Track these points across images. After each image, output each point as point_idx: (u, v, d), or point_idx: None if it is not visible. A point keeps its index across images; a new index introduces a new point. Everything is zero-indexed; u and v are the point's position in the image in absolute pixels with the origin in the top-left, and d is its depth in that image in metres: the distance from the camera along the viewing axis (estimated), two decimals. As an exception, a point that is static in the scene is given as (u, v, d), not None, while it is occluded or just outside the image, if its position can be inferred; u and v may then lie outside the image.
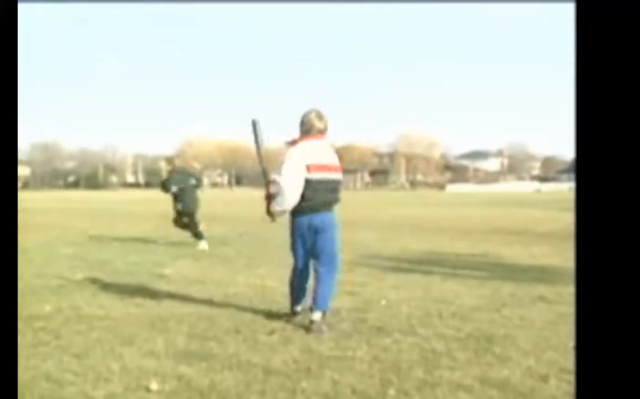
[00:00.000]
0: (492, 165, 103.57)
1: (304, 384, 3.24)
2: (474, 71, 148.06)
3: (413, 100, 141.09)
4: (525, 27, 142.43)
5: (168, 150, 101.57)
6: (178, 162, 11.20)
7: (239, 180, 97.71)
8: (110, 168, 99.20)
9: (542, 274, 7.01)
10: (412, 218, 19.06)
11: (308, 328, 4.34)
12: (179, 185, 10.45)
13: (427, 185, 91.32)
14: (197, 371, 3.45)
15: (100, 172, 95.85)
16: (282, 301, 5.01)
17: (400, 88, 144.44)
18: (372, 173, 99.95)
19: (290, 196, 4.32)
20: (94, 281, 6.62)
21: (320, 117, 4.50)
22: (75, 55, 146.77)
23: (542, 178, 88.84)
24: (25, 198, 32.04)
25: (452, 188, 74.80)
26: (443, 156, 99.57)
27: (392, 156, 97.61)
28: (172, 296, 5.72)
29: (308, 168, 4.32)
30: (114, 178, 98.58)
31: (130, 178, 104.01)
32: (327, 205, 4.47)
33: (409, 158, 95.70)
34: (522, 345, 3.96)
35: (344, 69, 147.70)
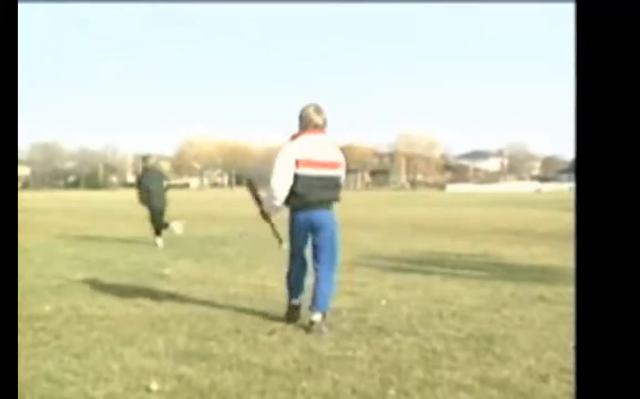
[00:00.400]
0: (492, 165, 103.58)
1: (304, 384, 3.24)
2: (474, 71, 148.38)
3: (413, 100, 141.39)
4: (525, 27, 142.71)
5: (169, 150, 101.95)
6: (151, 162, 11.35)
7: (239, 180, 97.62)
8: (110, 168, 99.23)
9: (542, 274, 7.01)
10: (412, 218, 19.06)
11: (308, 328, 4.33)
12: (152, 185, 10.76)
13: (427, 185, 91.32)
14: (197, 371, 3.45)
15: (101, 172, 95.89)
16: (283, 301, 5.00)
17: (400, 88, 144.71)
18: (373, 173, 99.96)
19: (277, 191, 4.31)
20: (94, 281, 6.62)
21: (318, 111, 4.45)
22: (75, 55, 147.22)
23: (542, 178, 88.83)
24: (25, 198, 32.05)
25: (453, 188, 74.76)
26: (443, 156, 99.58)
27: (392, 156, 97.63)
28: (172, 296, 5.72)
29: (297, 163, 4.28)
30: (114, 178, 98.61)
31: (130, 178, 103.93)
32: (324, 202, 4.40)
33: (409, 158, 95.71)
34: (522, 345, 3.96)
35: (344, 69, 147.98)
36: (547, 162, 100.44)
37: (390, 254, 9.14)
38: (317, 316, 4.35)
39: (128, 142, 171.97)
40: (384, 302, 5.35)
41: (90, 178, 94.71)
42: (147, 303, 5.35)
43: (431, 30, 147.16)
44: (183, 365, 3.56)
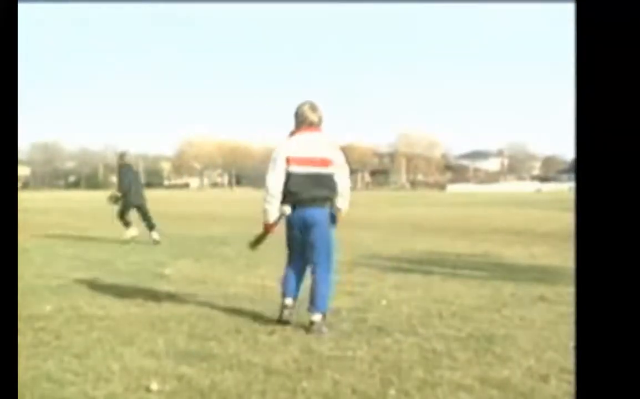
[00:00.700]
0: (492, 165, 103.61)
1: (304, 384, 3.24)
2: (474, 71, 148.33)
3: (413, 100, 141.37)
4: (525, 27, 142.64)
5: (169, 150, 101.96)
6: (127, 159, 11.46)
7: (239, 180, 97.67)
8: (111, 168, 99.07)
9: (543, 274, 7.00)
10: (412, 218, 19.06)
11: (308, 328, 4.33)
12: (129, 180, 10.94)
13: (427, 185, 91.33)
14: (197, 371, 3.45)
15: (101, 172, 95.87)
16: (283, 301, 5.01)
17: (400, 88, 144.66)
18: (373, 173, 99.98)
19: (271, 189, 4.35)
20: (94, 281, 6.62)
21: (313, 109, 4.46)
22: (75, 55, 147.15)
23: (543, 178, 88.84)
24: (26, 198, 32.03)
25: (453, 188, 74.78)
26: (443, 156, 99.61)
27: (392, 156, 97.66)
28: (172, 296, 5.72)
29: (288, 161, 4.32)
30: (114, 178, 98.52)
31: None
32: (318, 200, 4.38)
33: (410, 158, 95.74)
34: (523, 345, 3.96)
35: (344, 69, 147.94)
36: (547, 162, 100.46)
37: (391, 254, 9.14)
38: (317, 317, 4.35)
39: (128, 142, 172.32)
40: (384, 302, 5.34)
41: (90, 178, 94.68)
42: (147, 303, 5.35)
43: (431, 30, 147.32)
44: (183, 365, 3.56)
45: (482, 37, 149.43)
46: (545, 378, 3.31)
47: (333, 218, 4.57)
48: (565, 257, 8.14)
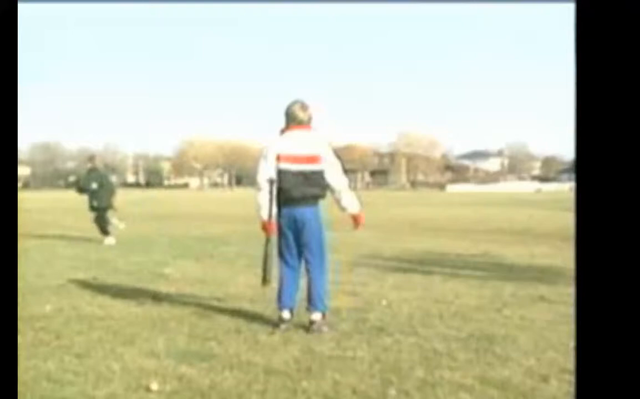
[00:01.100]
0: (492, 165, 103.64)
1: (304, 384, 3.24)
2: (474, 71, 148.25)
3: (413, 100, 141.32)
4: (525, 27, 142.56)
5: (169, 150, 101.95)
6: (97, 162, 11.94)
7: (239, 180, 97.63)
8: (111, 168, 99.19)
9: (543, 274, 7.01)
10: (412, 218, 19.07)
11: (308, 328, 4.34)
12: (97, 182, 11.20)
13: (427, 185, 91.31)
14: (197, 371, 3.45)
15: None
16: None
17: (400, 88, 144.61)
18: (373, 173, 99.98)
19: (260, 184, 4.41)
20: (94, 281, 6.62)
21: (303, 108, 4.50)
22: (75, 55, 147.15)
23: (543, 178, 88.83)
24: (26, 198, 32.04)
25: (453, 188, 74.77)
26: (444, 156, 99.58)
27: (392, 156, 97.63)
28: (172, 296, 5.72)
29: (278, 157, 4.36)
30: (114, 178, 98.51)
31: (130, 179, 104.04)
32: (308, 198, 4.39)
33: (410, 158, 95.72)
34: (523, 345, 3.96)
35: (344, 69, 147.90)
36: (547, 162, 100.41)
37: (391, 254, 9.14)
38: (316, 315, 4.36)
39: (128, 142, 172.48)
40: (384, 302, 5.35)
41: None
42: (148, 302, 5.35)
43: (431, 30, 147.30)
44: (183, 365, 3.56)
45: (482, 37, 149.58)
46: (545, 378, 3.31)
47: (356, 221, 4.64)
48: (565, 257, 8.14)
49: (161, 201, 37.42)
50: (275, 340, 4.12)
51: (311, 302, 4.41)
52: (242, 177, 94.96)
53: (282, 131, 4.52)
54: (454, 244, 10.59)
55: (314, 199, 4.44)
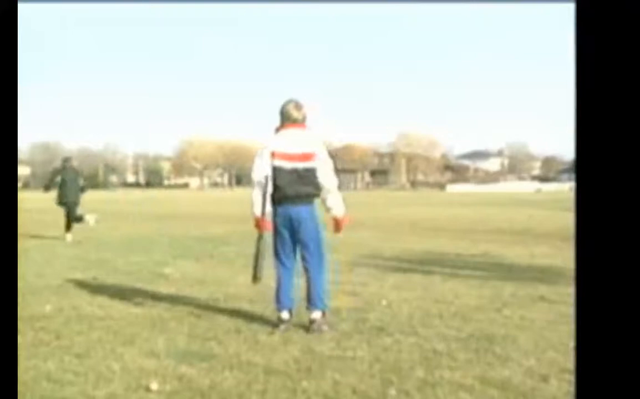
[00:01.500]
0: (492, 165, 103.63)
1: (304, 384, 3.24)
2: (474, 71, 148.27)
3: (413, 100, 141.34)
4: (525, 27, 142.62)
5: (169, 150, 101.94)
6: (70, 162, 12.62)
7: (239, 180, 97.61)
8: (111, 168, 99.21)
9: (543, 274, 7.00)
10: (412, 218, 19.06)
11: (308, 327, 4.34)
12: (68, 181, 11.93)
13: (427, 185, 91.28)
14: (197, 371, 3.45)
15: (100, 172, 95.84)
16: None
17: (400, 88, 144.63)
18: (373, 173, 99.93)
19: (255, 180, 4.43)
20: (94, 281, 6.62)
21: (298, 107, 4.53)
22: (75, 55, 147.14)
23: (543, 178, 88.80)
24: (26, 198, 32.03)
25: (453, 188, 74.70)
26: (443, 156, 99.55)
27: (392, 156, 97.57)
28: (172, 296, 5.73)
29: (273, 155, 4.39)
30: (114, 178, 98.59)
31: (130, 178, 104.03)
32: (303, 197, 4.40)
33: (410, 158, 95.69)
34: (523, 345, 3.96)
35: (344, 69, 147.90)
36: (547, 162, 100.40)
37: (391, 254, 9.14)
38: (316, 314, 4.37)
39: (128, 141, 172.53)
40: (384, 302, 5.34)
41: (90, 178, 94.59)
42: (148, 302, 5.36)
43: (431, 30, 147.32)
44: (183, 365, 3.56)
45: (482, 37, 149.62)
46: (545, 378, 3.31)
47: (337, 225, 4.58)
48: (565, 257, 8.14)
49: (161, 201, 37.41)
50: (275, 340, 4.12)
51: (311, 301, 4.42)
52: (242, 177, 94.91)
53: (277, 130, 4.55)
54: (453, 244, 10.59)
55: (308, 198, 4.45)
